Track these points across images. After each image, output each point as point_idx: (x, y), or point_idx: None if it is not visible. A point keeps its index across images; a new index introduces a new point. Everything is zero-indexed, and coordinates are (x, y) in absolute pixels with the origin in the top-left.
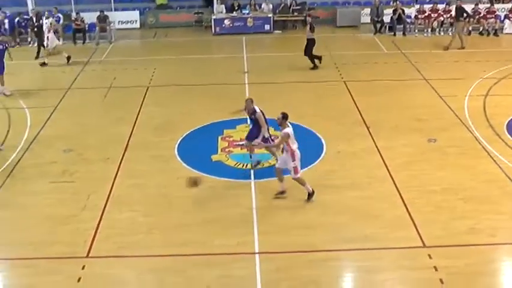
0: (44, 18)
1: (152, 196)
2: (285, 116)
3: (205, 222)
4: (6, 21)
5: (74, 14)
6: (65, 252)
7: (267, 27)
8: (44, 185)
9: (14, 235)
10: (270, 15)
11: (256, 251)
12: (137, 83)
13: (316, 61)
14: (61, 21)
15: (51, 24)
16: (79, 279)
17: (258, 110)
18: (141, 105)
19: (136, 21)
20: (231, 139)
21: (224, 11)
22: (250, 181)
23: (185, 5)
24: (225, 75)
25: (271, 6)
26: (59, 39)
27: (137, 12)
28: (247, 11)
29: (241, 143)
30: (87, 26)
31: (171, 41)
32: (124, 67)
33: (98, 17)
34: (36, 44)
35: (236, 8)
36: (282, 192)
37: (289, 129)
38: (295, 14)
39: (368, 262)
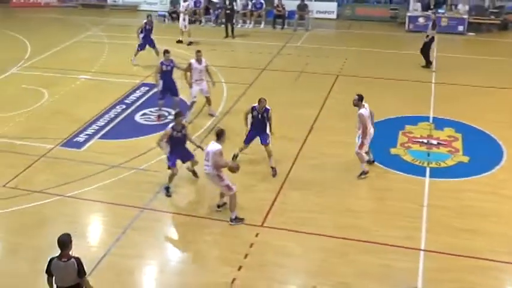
0: (182, 1)
1: (328, 179)
2: (360, 98)
3: (374, 211)
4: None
5: (276, 1)
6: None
7: (460, 28)
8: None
9: (202, 195)
10: (465, 16)
11: (422, 247)
12: (328, 71)
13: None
14: (263, 7)
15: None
16: (251, 245)
17: (269, 108)
18: (329, 91)
19: (333, 12)
20: (412, 135)
21: (420, 8)
22: (425, 179)
23: (381, 0)
24: (413, 72)
25: (467, 7)
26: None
27: (335, 4)
28: (442, 11)
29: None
30: (287, 13)
31: (364, 33)
32: (317, 54)
33: (298, 6)
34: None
35: (432, 7)
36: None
37: (364, 110)
38: (492, 17)
39: None
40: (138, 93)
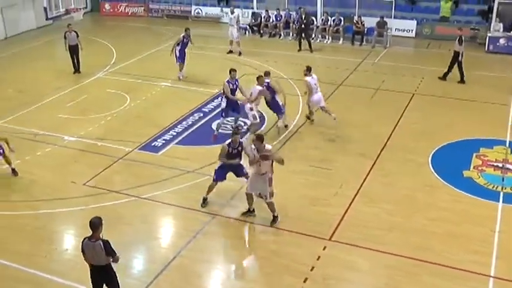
0: (230, 13)
1: (399, 197)
2: (308, 69)
3: (445, 233)
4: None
5: (356, 17)
6: (311, 231)
7: None
8: (304, 167)
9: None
10: None
11: (492, 274)
12: (404, 89)
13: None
14: (342, 23)
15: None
16: (318, 258)
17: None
18: (405, 109)
19: (412, 30)
20: (486, 158)
21: (501, 29)
22: (498, 204)
23: (462, 20)
24: (491, 94)
25: None
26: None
27: (414, 22)
28: None
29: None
30: (366, 29)
31: (443, 53)
32: (394, 72)
33: (377, 23)
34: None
35: None
36: None
37: (310, 78)
38: None
39: None
40: (215, 103)
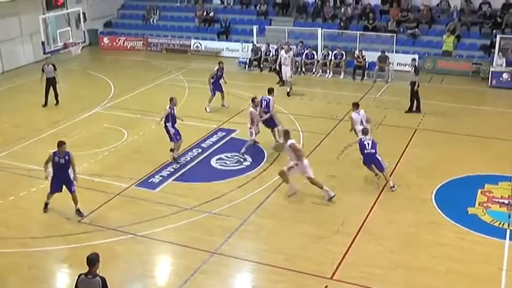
0: (282, 50)
1: (403, 234)
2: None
3: (450, 271)
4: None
5: (357, 52)
6: (312, 269)
7: None
8: (305, 204)
9: (272, 243)
10: None
11: None
12: (406, 124)
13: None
14: (343, 57)
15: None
16: None
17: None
18: (407, 145)
19: None
20: (491, 194)
21: (504, 64)
22: (505, 241)
23: (463, 54)
24: (495, 129)
25: None
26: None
27: (416, 56)
28: None
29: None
30: (367, 64)
31: (445, 87)
32: (396, 107)
33: (379, 57)
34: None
35: None
36: None
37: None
38: None
39: None
40: (214, 138)
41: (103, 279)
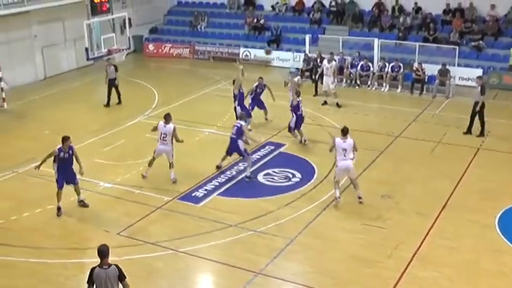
0: (325, 60)
1: (461, 262)
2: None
3: None
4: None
5: (416, 64)
6: None
7: None
8: (356, 225)
9: (320, 264)
10: None
11: None
12: (468, 143)
13: None
14: (401, 70)
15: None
16: None
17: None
18: (468, 165)
19: None
20: None
21: None
22: None
23: None
24: None
25: None
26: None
27: (480, 70)
28: None
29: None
30: (427, 77)
31: (511, 105)
32: (457, 124)
33: (439, 70)
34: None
35: None
36: None
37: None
38: None
39: None
40: (262, 152)
41: (118, 266)
